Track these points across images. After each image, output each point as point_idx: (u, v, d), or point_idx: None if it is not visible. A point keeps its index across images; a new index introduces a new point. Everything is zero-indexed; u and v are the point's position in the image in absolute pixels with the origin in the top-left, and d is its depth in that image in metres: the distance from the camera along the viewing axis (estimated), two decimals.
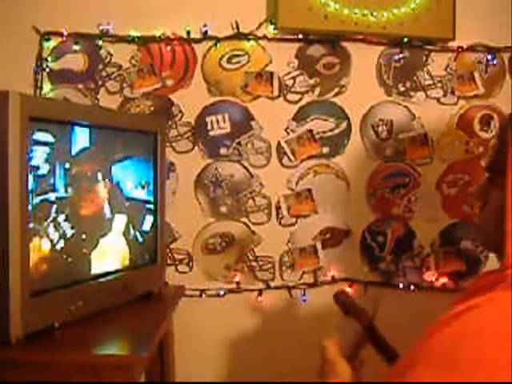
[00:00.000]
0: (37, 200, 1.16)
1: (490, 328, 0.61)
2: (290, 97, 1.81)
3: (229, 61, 1.79)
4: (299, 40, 1.79)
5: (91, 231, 1.34)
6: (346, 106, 1.83)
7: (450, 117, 1.87)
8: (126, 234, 1.47)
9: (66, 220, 1.25)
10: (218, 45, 1.76)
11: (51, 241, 1.21)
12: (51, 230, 1.21)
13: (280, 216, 1.83)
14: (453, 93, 1.86)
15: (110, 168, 1.41)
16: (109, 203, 1.40)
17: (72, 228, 1.27)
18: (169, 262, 1.78)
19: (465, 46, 1.84)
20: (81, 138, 1.29)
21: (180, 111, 1.78)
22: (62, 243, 1.24)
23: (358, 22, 1.76)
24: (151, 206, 1.56)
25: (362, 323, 0.95)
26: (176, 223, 1.78)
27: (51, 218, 1.21)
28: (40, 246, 1.18)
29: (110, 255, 1.41)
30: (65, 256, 1.25)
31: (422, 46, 1.84)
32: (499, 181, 0.75)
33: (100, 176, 1.37)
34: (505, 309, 0.62)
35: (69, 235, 1.26)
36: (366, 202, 1.86)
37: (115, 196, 1.42)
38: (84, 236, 1.31)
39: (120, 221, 1.45)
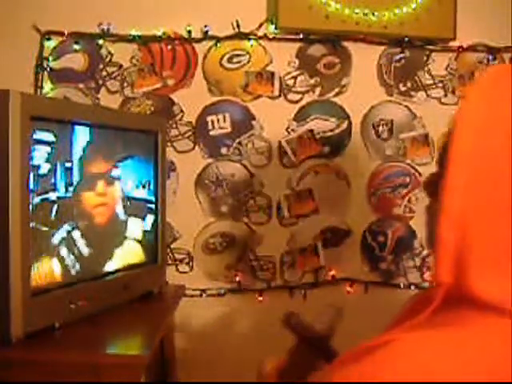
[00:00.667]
0: (37, 199, 1.16)
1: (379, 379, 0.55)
2: (291, 96, 1.81)
3: (229, 60, 1.78)
4: (300, 40, 1.79)
5: (93, 232, 1.34)
6: (347, 105, 1.83)
7: (450, 117, 1.86)
8: (126, 233, 1.47)
9: (67, 220, 1.24)
10: (218, 44, 1.76)
11: (52, 240, 1.21)
12: (52, 229, 1.21)
13: (281, 216, 1.83)
14: (453, 93, 1.86)
15: (111, 167, 1.41)
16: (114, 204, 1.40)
17: (75, 229, 1.26)
18: (169, 261, 1.78)
19: (465, 46, 1.84)
20: (81, 137, 1.29)
21: (181, 111, 1.78)
22: (62, 244, 1.24)
23: (359, 22, 1.75)
24: (152, 206, 1.55)
25: (319, 352, 0.88)
26: (176, 223, 1.78)
27: (52, 218, 1.20)
28: (40, 246, 1.18)
29: (113, 255, 1.40)
30: (65, 256, 1.25)
31: (423, 46, 1.84)
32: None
33: (100, 176, 1.37)
34: (401, 357, 0.56)
35: (70, 237, 1.26)
36: (366, 201, 1.86)
37: (117, 196, 1.42)
38: (87, 239, 1.31)
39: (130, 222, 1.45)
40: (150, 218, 1.55)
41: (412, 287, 1.86)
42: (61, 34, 1.71)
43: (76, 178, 1.28)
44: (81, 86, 1.74)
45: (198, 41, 1.76)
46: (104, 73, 1.75)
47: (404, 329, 0.60)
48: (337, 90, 1.83)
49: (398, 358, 0.56)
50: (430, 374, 0.54)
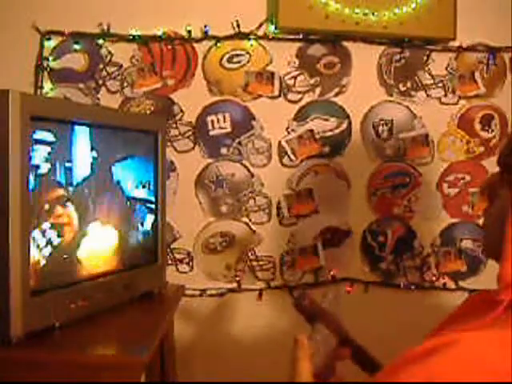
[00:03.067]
0: (37, 199, 1.16)
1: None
2: (291, 96, 1.81)
3: (229, 60, 1.78)
4: (300, 40, 1.79)
5: (94, 231, 1.34)
6: (347, 105, 1.83)
7: (450, 116, 1.87)
8: (126, 233, 1.47)
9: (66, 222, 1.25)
10: (218, 44, 1.76)
11: (52, 241, 1.21)
12: (52, 229, 1.21)
13: (280, 216, 1.83)
14: (453, 92, 1.86)
15: (111, 167, 1.41)
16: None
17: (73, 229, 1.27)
18: (169, 261, 1.78)
19: (465, 46, 1.84)
20: (81, 137, 1.29)
21: (181, 111, 1.78)
22: (61, 244, 1.24)
23: (359, 22, 1.75)
24: (152, 206, 1.55)
25: (337, 336, 0.84)
26: (176, 223, 1.78)
27: (52, 219, 1.20)
28: (40, 246, 1.18)
29: (110, 255, 1.40)
30: (65, 256, 1.25)
31: (423, 46, 1.84)
32: (509, 178, 0.65)
33: (100, 175, 1.37)
34: (468, 357, 0.54)
35: (69, 238, 1.26)
36: (366, 201, 1.86)
37: (116, 196, 1.42)
38: (88, 239, 1.31)
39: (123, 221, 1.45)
40: (150, 218, 1.55)
41: (412, 287, 1.86)
42: (61, 33, 1.70)
43: (76, 177, 1.28)
44: (81, 85, 1.74)
45: (198, 41, 1.76)
46: (104, 73, 1.75)
47: (471, 328, 0.59)
48: (337, 89, 1.83)
49: (467, 358, 0.55)
50: (498, 375, 0.53)
